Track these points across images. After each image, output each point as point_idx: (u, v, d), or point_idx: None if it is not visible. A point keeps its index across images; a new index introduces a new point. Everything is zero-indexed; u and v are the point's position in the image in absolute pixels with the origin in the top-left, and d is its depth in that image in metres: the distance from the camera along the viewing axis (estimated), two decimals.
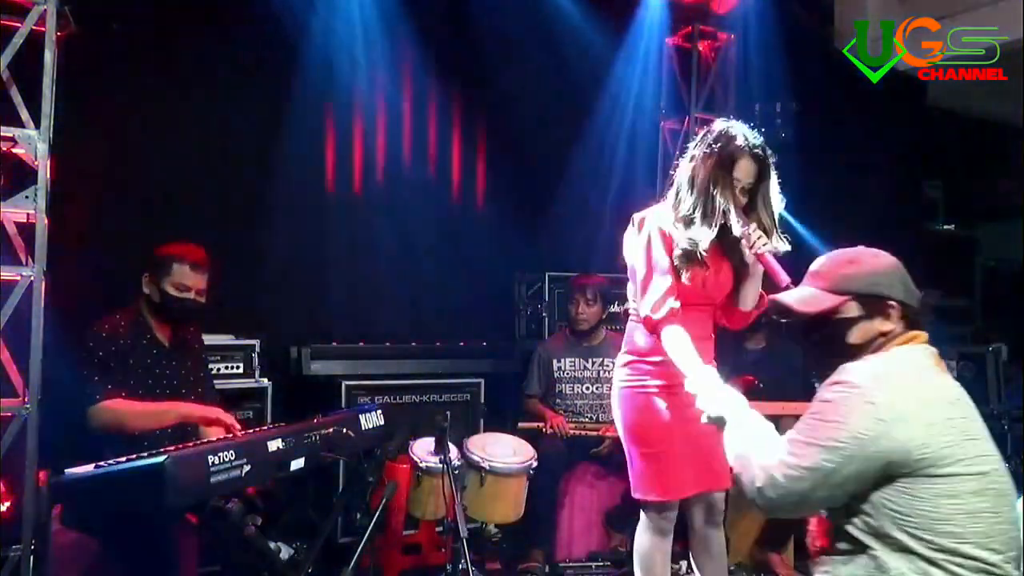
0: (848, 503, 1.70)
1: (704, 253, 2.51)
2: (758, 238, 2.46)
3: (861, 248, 1.93)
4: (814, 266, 1.94)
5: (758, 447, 1.84)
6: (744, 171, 2.52)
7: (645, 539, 2.72)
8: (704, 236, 2.50)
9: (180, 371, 2.95)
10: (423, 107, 4.91)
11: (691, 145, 2.66)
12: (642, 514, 2.74)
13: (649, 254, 2.56)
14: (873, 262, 1.87)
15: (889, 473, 1.64)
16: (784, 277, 2.42)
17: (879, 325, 1.81)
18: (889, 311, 1.81)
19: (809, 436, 1.70)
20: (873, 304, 1.81)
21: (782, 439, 1.81)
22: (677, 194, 2.60)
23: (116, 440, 2.67)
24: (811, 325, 1.89)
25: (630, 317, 2.76)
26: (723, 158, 2.51)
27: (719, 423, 2.08)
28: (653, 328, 2.52)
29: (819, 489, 1.68)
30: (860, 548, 1.70)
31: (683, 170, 2.62)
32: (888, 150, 5.46)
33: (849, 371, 1.74)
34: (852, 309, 1.82)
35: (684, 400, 2.61)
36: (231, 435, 2.60)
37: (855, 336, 1.82)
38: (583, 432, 3.98)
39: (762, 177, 2.55)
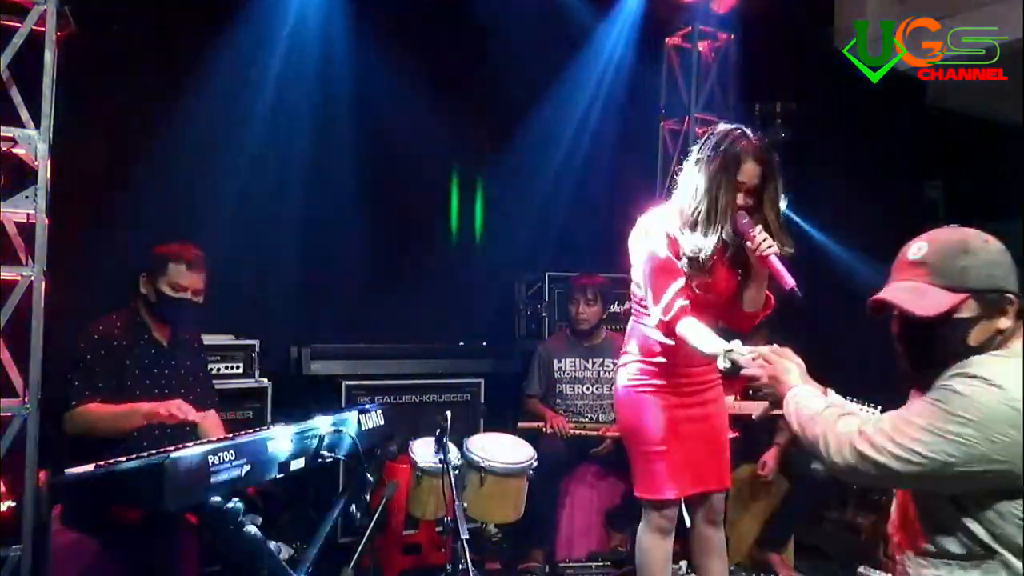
0: (965, 505, 1.57)
1: (707, 257, 2.51)
2: (763, 240, 2.45)
3: (963, 230, 1.70)
4: (915, 254, 1.69)
5: (835, 413, 1.68)
6: (748, 173, 2.51)
7: (646, 539, 2.73)
8: (708, 241, 2.50)
9: (179, 370, 2.96)
10: (424, 108, 4.91)
11: (695, 148, 2.65)
12: (643, 513, 2.75)
13: (657, 259, 2.56)
14: (986, 249, 1.66)
15: (1008, 482, 1.51)
16: (789, 280, 2.41)
17: (997, 323, 1.62)
18: (1007, 307, 1.62)
19: (931, 423, 1.54)
20: (992, 300, 1.61)
21: (869, 414, 1.70)
22: (681, 198, 2.60)
23: (116, 440, 2.67)
24: (921, 326, 1.64)
25: (631, 318, 2.77)
26: (726, 160, 2.49)
27: (774, 389, 1.90)
28: (668, 329, 2.51)
29: (925, 478, 1.54)
30: (985, 553, 1.57)
31: (687, 173, 2.61)
32: (888, 150, 5.46)
33: (984, 366, 1.56)
34: (970, 307, 1.62)
35: (684, 400, 2.65)
36: (231, 435, 2.59)
37: (974, 337, 1.62)
38: (583, 432, 3.98)
39: (767, 178, 2.54)
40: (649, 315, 2.61)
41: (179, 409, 2.73)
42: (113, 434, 2.69)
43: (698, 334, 2.45)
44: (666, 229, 2.58)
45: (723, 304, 2.68)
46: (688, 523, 2.84)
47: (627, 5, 5.11)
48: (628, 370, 2.73)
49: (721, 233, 2.50)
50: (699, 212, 2.52)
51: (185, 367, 2.99)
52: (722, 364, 2.29)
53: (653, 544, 2.71)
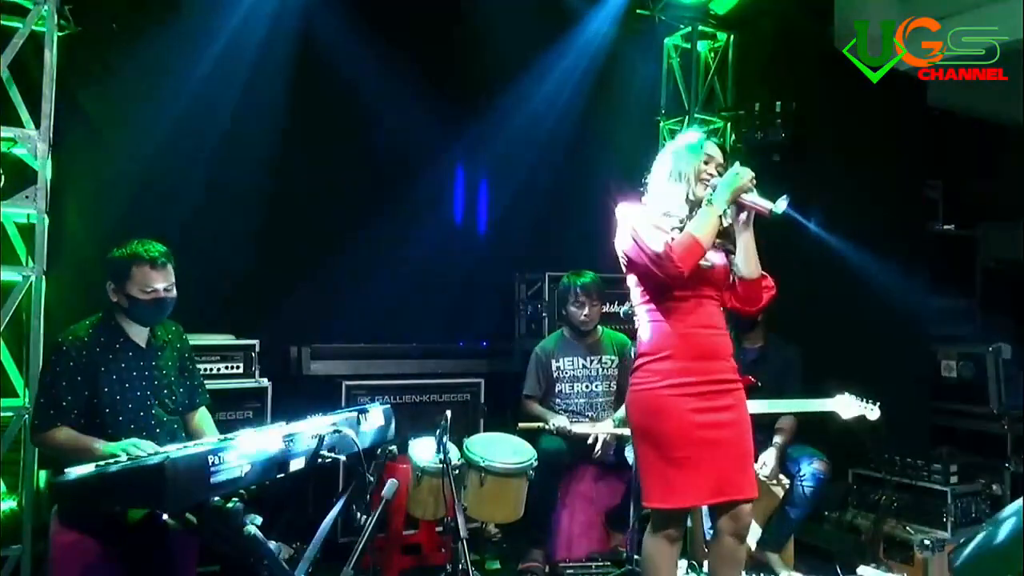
0: None
1: (684, 219, 2.63)
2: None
3: None
4: None
5: None
6: (712, 149, 2.74)
7: (654, 546, 2.66)
8: (678, 205, 2.67)
9: (161, 370, 2.90)
10: (424, 107, 4.91)
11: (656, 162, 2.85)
12: (651, 520, 2.69)
13: (642, 226, 2.61)
14: None
15: None
16: (765, 205, 2.57)
17: None
18: None
19: None
20: None
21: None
22: (652, 188, 2.80)
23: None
24: None
25: (637, 320, 2.74)
26: (688, 142, 2.76)
27: None
28: (674, 257, 2.50)
29: None
30: None
31: (655, 177, 2.82)
32: (888, 150, 5.46)
33: None
34: None
35: (703, 403, 2.57)
36: (231, 435, 2.59)
37: None
38: (584, 432, 3.98)
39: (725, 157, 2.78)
40: (654, 304, 2.64)
41: (135, 452, 2.56)
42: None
43: (692, 224, 2.57)
44: (643, 214, 2.70)
45: (722, 284, 2.68)
46: (713, 532, 2.78)
47: (628, 5, 5.09)
48: (642, 372, 2.64)
49: (685, 194, 2.67)
50: (667, 191, 2.71)
51: (166, 367, 2.94)
52: (722, 207, 2.58)
53: (661, 551, 2.64)
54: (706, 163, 2.71)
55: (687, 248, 2.50)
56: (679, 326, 2.58)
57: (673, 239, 2.54)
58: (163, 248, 2.83)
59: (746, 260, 2.65)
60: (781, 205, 2.59)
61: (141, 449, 2.53)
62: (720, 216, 2.60)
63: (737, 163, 2.66)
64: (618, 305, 4.38)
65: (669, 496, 2.57)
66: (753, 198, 2.60)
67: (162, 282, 2.80)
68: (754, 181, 2.59)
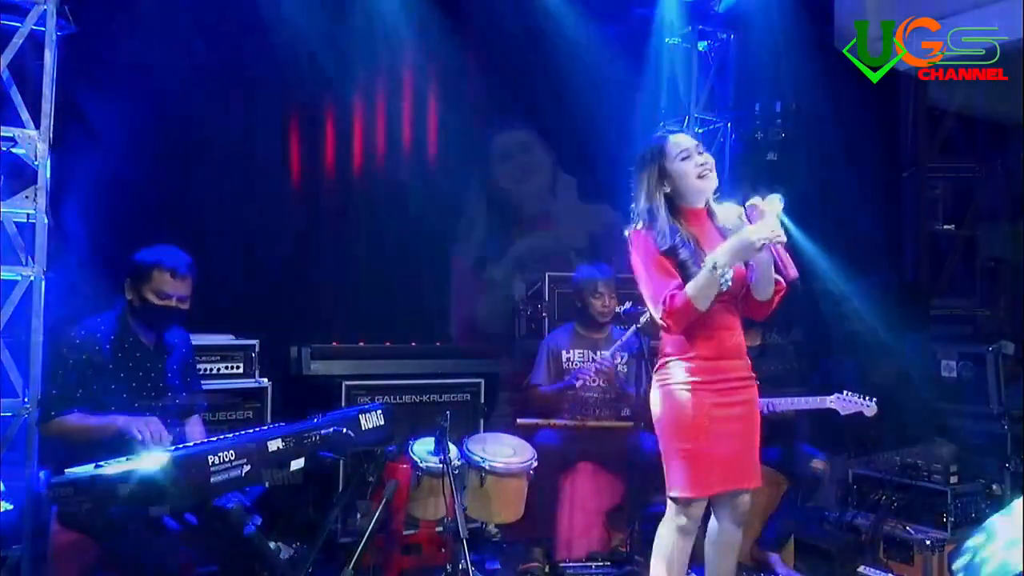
0: None
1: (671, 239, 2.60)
2: (770, 231, 2.48)
3: None
4: None
5: None
6: (682, 140, 2.70)
7: (667, 536, 2.72)
8: (666, 230, 2.62)
9: (166, 373, 2.94)
10: (424, 108, 4.91)
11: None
12: (667, 510, 2.74)
13: (642, 275, 2.65)
14: None
15: None
16: (793, 270, 2.50)
17: None
18: None
19: None
20: None
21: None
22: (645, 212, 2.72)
23: (114, 441, 2.67)
24: None
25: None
26: (654, 151, 2.70)
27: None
28: (671, 314, 2.55)
29: None
30: None
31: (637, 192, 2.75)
32: (888, 149, 5.47)
33: None
34: None
35: (721, 399, 2.66)
36: (231, 435, 2.59)
37: None
38: (599, 424, 3.99)
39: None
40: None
41: (153, 428, 2.65)
42: (86, 443, 2.62)
43: (691, 289, 2.51)
44: (649, 250, 2.65)
45: (738, 290, 2.69)
46: (713, 519, 2.82)
47: (629, 5, 5.09)
48: (665, 369, 2.72)
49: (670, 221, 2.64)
50: (648, 213, 2.66)
51: (172, 371, 2.97)
52: (722, 279, 2.46)
53: (673, 542, 2.70)
54: (684, 158, 2.66)
55: (682, 313, 2.55)
56: (700, 328, 2.64)
57: (675, 291, 2.54)
58: (188, 260, 2.89)
59: (762, 287, 2.68)
60: (778, 205, 2.59)
61: (154, 427, 2.61)
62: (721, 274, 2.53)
63: (748, 221, 2.55)
64: (618, 305, 4.39)
65: (690, 486, 2.64)
66: (783, 254, 2.53)
67: (177, 291, 2.85)
68: (762, 243, 2.48)
